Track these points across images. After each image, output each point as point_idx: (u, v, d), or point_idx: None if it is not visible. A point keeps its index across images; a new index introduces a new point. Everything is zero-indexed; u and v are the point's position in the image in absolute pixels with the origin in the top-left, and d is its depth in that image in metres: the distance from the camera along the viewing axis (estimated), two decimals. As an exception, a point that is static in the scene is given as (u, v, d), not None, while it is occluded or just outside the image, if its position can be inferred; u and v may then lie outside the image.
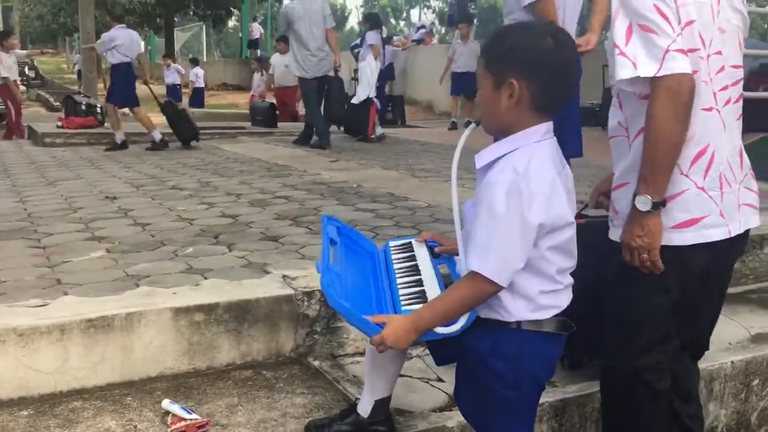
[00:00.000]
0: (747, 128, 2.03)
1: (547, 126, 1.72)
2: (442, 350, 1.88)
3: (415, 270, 1.90)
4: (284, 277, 2.72)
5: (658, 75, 1.71)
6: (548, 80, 1.65)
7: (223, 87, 24.38)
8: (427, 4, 68.18)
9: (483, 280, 1.62)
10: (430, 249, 2.02)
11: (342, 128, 8.95)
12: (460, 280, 1.70)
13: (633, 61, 1.74)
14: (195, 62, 20.15)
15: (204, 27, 36.08)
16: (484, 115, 1.75)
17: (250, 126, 10.51)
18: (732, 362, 2.65)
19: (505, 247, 1.61)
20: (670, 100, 1.72)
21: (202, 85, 19.36)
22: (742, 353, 2.72)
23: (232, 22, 38.10)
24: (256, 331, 2.51)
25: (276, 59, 11.95)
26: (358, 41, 10.88)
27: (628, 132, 1.89)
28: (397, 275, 1.88)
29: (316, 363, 2.54)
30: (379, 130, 8.63)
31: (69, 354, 2.25)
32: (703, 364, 2.56)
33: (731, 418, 2.70)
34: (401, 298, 1.79)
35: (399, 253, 2.02)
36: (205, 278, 2.72)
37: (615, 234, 1.92)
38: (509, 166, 1.64)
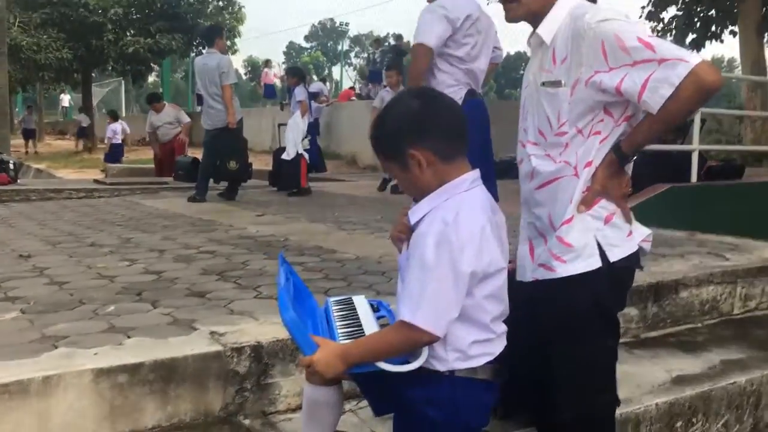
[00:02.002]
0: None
1: (474, 174, 1.77)
2: (379, 400, 1.87)
3: (357, 324, 1.89)
4: (212, 333, 2.65)
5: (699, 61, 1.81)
6: (437, 133, 1.73)
7: (143, 142, 23.99)
8: (349, 61, 69.58)
9: (415, 329, 1.64)
10: (371, 305, 2.03)
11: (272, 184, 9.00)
12: (393, 326, 1.72)
13: (680, 57, 1.81)
14: (114, 117, 19.76)
15: (123, 82, 35.63)
16: (410, 191, 1.81)
17: (172, 181, 10.35)
18: (656, 404, 2.72)
19: (438, 297, 1.64)
20: (699, 86, 1.81)
21: (120, 141, 18.98)
22: (666, 395, 2.80)
23: (151, 78, 37.80)
24: (184, 391, 2.42)
25: (156, 118, 11.96)
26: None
27: (577, 170, 1.96)
28: (339, 329, 1.87)
29: (247, 422, 2.47)
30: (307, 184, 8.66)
31: (-20, 423, 2.12)
32: (629, 407, 2.63)
33: (658, 459, 2.76)
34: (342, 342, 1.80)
35: (340, 309, 2.01)
36: (129, 337, 2.61)
37: (570, 268, 1.96)
38: (438, 217, 1.68)
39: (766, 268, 4.05)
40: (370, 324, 1.90)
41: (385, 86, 10.90)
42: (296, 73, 9.20)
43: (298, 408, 2.59)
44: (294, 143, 8.39)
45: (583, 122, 1.94)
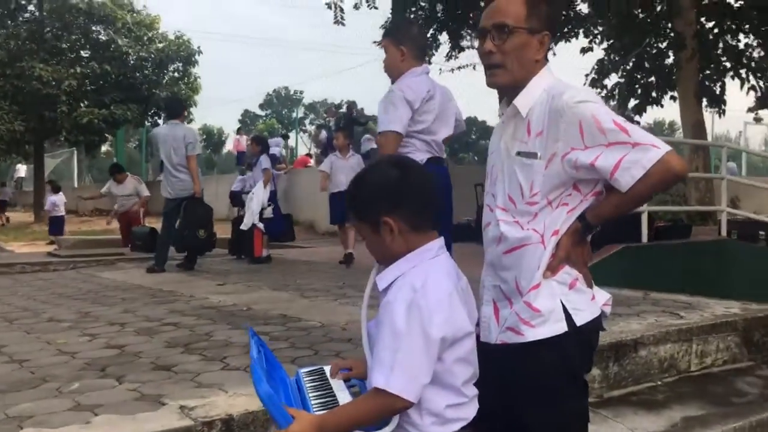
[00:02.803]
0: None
1: (440, 242, 1.84)
2: (355, 470, 1.87)
3: (331, 395, 1.91)
4: (182, 407, 2.63)
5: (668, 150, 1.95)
6: (412, 203, 1.80)
7: (96, 212, 23.65)
8: (304, 128, 70.28)
9: (389, 396, 1.67)
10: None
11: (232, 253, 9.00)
12: (367, 393, 1.74)
13: (652, 143, 1.95)
14: (56, 189, 19.26)
15: (75, 152, 35.30)
16: (378, 256, 1.87)
17: (129, 252, 10.22)
18: (623, 464, 2.78)
19: (410, 363, 1.67)
20: (667, 173, 1.96)
21: (62, 213, 18.57)
22: (631, 454, 2.86)
23: (104, 147, 37.57)
24: (154, 468, 2.39)
25: (116, 189, 11.93)
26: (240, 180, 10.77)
27: (544, 238, 2.05)
28: (313, 399, 1.88)
29: (218, 498, 2.44)
30: (266, 252, 8.65)
31: None
32: (598, 467, 2.68)
33: None
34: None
35: (312, 380, 2.03)
36: (96, 414, 2.58)
37: (539, 333, 2.03)
38: (407, 284, 1.74)
39: (719, 325, 4.19)
40: (343, 394, 1.92)
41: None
42: (260, 142, 9.32)
43: (270, 481, 2.59)
44: (252, 213, 8.41)
45: (554, 194, 2.05)
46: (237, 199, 12.69)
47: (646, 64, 16.00)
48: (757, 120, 19.94)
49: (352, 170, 8.04)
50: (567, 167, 2.03)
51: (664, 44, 15.75)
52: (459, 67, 15.96)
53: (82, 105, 23.13)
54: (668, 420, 3.26)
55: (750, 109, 18.00)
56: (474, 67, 15.39)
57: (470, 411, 1.80)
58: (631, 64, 15.86)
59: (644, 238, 7.22)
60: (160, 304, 5.31)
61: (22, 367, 3.38)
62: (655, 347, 3.88)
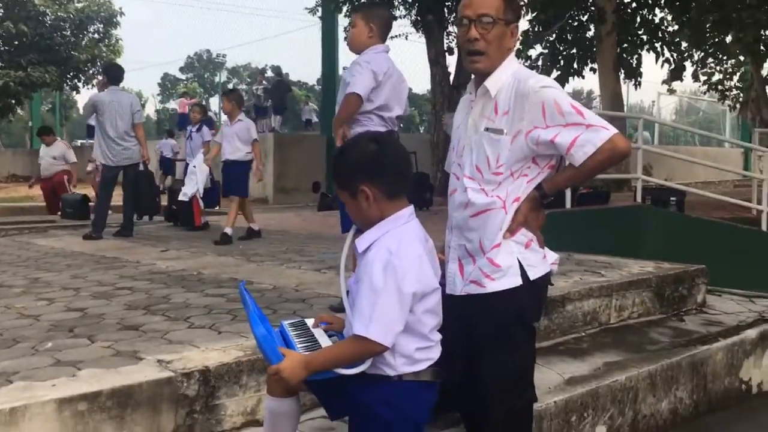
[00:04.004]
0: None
1: (410, 210, 2.13)
2: (334, 404, 2.17)
3: (313, 340, 2.18)
4: (159, 361, 2.85)
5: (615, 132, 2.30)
6: (387, 174, 2.10)
7: (13, 179, 22.85)
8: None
9: (368, 342, 1.96)
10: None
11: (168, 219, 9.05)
12: (348, 339, 2.03)
13: (603, 126, 2.29)
14: None
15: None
16: (356, 220, 2.16)
17: (60, 219, 10.10)
18: (555, 402, 3.16)
19: (386, 314, 1.97)
20: (614, 150, 2.30)
21: None
22: (561, 394, 3.24)
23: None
24: (139, 416, 2.61)
25: (43, 151, 11.70)
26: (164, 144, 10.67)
27: (506, 204, 2.36)
28: (298, 344, 2.15)
29: (198, 441, 2.68)
30: (203, 220, 8.74)
31: (-50, 456, 2.23)
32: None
33: (558, 450, 3.19)
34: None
35: (295, 329, 2.29)
36: (79, 369, 2.76)
37: (498, 285, 2.36)
38: (383, 247, 2.03)
39: (635, 282, 4.65)
40: (324, 340, 2.20)
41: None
42: (204, 110, 9.29)
43: (243, 426, 2.85)
44: (195, 185, 8.46)
45: (517, 166, 2.37)
46: (167, 165, 12.65)
47: (569, 37, 16.61)
48: (671, 91, 20.98)
49: (235, 136, 7.72)
50: (530, 143, 2.35)
51: (585, 17, 16.37)
52: (391, 37, 16.12)
53: (-4, 66, 22.19)
54: (592, 365, 3.67)
55: (664, 81, 18.94)
56: (406, 37, 15.65)
57: (435, 353, 2.12)
58: (553, 36, 16.42)
59: (568, 204, 7.71)
60: (108, 270, 5.41)
61: (-13, 330, 3.48)
62: (579, 302, 4.29)
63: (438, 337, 2.14)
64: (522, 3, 16.77)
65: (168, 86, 73.07)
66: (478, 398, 2.44)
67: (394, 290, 1.97)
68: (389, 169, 2.10)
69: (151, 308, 3.92)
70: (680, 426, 3.73)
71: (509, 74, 2.43)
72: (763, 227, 9.50)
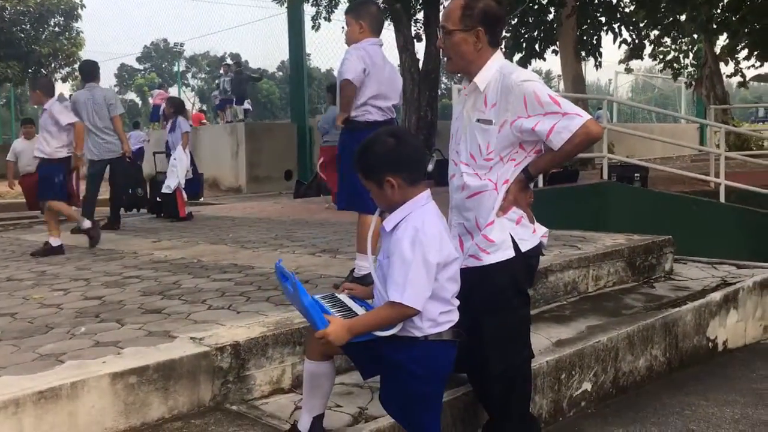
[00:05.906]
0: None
1: (428, 193, 2.45)
2: (366, 366, 2.48)
3: (348, 309, 2.49)
4: (192, 338, 3.12)
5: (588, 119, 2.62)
6: (407, 165, 2.42)
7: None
8: (186, 82, 68.13)
9: (403, 306, 2.28)
10: (351, 297, 2.62)
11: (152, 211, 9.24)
12: (384, 305, 2.34)
13: (577, 113, 2.61)
14: None
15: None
16: (381, 204, 2.48)
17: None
18: (546, 362, 3.51)
19: (417, 282, 2.29)
20: (587, 135, 2.62)
21: None
22: (552, 354, 3.59)
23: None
24: (181, 387, 2.89)
25: (22, 145, 11.55)
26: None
27: (497, 186, 2.69)
28: (336, 313, 2.45)
29: (235, 407, 2.97)
30: (187, 210, 8.94)
31: (23, 426, 2.48)
32: (528, 364, 3.38)
33: (550, 405, 3.53)
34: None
35: (329, 301, 2.58)
36: (121, 348, 3.03)
37: (493, 258, 2.69)
38: (410, 225, 2.34)
39: (609, 253, 5.04)
40: (358, 309, 2.51)
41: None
42: (175, 104, 9.43)
43: (271, 394, 3.15)
44: (176, 176, 8.65)
45: (505, 152, 2.70)
46: (136, 155, 12.51)
47: (530, 20, 17.00)
48: (628, 70, 21.60)
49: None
50: (514, 131, 2.68)
51: (546, 1, 16.78)
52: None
53: (-45, 61, 21.83)
54: (575, 329, 4.03)
55: (621, 60, 19.50)
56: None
57: (455, 316, 2.44)
58: (516, 19, 16.80)
59: (540, 183, 8.10)
60: (109, 261, 5.62)
61: (15, 320, 3.68)
62: (561, 273, 4.66)
63: (457, 302, 2.46)
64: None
65: (125, 77, 71.99)
66: (481, 359, 2.78)
67: (422, 261, 2.28)
68: (409, 160, 2.41)
69: (166, 293, 4.17)
70: (656, 381, 4.12)
71: (495, 70, 2.76)
72: (722, 199, 10.04)
